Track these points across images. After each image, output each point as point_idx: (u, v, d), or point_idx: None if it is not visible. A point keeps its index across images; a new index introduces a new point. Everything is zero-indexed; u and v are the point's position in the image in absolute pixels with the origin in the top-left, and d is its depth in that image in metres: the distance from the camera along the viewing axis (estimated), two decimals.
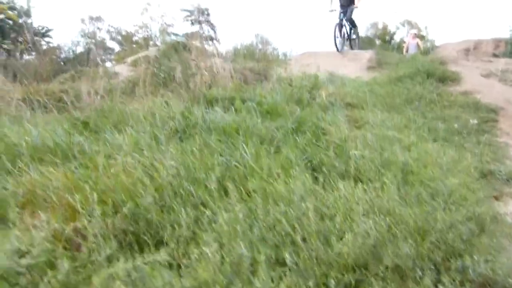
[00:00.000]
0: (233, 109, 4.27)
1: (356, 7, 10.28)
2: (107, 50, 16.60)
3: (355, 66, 9.96)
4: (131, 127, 3.30)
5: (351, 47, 10.96)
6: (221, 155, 2.73)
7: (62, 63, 11.02)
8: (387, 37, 20.46)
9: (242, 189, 2.20)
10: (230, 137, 3.18)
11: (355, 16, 10.66)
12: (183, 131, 3.34)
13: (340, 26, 10.28)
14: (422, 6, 34.63)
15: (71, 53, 14.08)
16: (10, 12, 11.96)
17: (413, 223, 2.21)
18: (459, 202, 2.90)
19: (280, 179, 2.34)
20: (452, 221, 2.40)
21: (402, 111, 6.18)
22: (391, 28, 20.98)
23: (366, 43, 18.26)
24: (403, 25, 20.48)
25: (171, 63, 4.86)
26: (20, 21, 11.56)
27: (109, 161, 2.26)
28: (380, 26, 21.03)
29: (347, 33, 10.64)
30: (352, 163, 3.08)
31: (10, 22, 12.15)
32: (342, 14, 10.23)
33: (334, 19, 10.39)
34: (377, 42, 20.02)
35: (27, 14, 12.10)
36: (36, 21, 18.16)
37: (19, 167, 2.16)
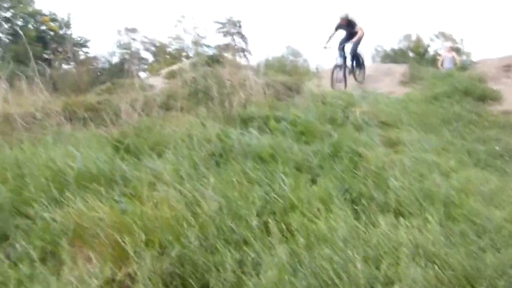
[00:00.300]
0: (267, 129, 4.27)
1: (356, 41, 8.90)
2: (141, 60, 17.04)
3: (387, 81, 9.77)
4: (169, 149, 3.35)
5: (356, 80, 9.19)
6: (259, 184, 2.72)
7: (98, 73, 11.41)
8: (421, 50, 19.87)
9: (283, 225, 2.18)
10: (266, 163, 3.17)
11: (360, 51, 9.23)
12: (219, 155, 3.36)
13: (340, 67, 8.69)
14: (458, 18, 33.46)
15: (107, 63, 14.54)
16: (51, 23, 12.50)
17: (461, 268, 2.12)
18: (507, 240, 2.76)
19: (321, 215, 2.30)
20: (501, 265, 2.28)
21: (439, 131, 5.98)
22: (425, 40, 20.41)
23: (399, 56, 17.88)
24: (438, 37, 19.95)
25: (207, 81, 4.92)
26: (61, 32, 12.06)
27: (151, 192, 2.29)
28: (414, 38, 20.50)
29: (349, 67, 9.00)
30: (391, 194, 3.00)
31: (51, 33, 12.69)
32: (339, 53, 8.80)
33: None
34: (411, 54, 19.49)
35: (67, 25, 12.61)
36: (75, 32, 18.90)
37: (66, 195, 2.22)
